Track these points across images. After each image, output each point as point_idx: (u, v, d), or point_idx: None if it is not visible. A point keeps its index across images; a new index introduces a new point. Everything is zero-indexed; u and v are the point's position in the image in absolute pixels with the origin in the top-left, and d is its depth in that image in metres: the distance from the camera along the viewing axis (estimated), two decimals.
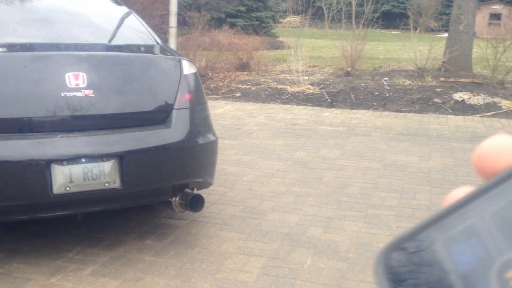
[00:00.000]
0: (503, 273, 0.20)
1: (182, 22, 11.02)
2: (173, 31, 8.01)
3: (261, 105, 7.22)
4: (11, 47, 2.77)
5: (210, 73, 8.81)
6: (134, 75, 2.83)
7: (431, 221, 0.23)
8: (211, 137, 3.05)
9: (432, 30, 13.98)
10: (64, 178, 2.47)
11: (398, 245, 0.24)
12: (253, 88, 8.07)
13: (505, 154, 0.22)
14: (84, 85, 2.63)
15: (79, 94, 2.62)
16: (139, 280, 2.52)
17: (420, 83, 8.23)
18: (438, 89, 7.71)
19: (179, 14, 7.85)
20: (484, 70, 9.53)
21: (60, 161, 2.48)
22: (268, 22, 17.29)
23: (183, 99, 2.95)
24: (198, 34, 9.64)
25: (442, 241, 0.22)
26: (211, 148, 3.05)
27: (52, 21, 3.08)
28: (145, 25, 3.52)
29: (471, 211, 0.22)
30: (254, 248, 2.89)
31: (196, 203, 2.85)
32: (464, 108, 6.97)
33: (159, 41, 3.42)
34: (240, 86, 8.25)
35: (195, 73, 3.14)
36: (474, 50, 9.66)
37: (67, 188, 2.48)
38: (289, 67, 8.63)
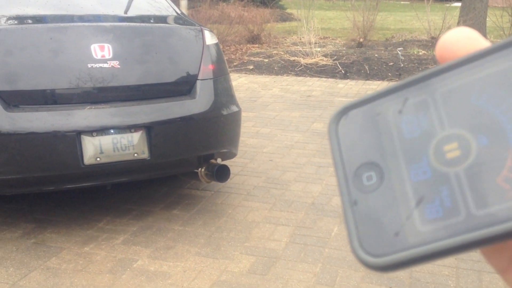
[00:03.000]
0: (442, 145, 0.22)
1: None
2: (184, 3, 7.92)
3: (275, 77, 7.17)
4: (35, 19, 2.75)
5: (221, 46, 8.73)
6: (158, 46, 2.81)
7: (388, 91, 0.25)
8: (234, 108, 3.05)
9: None
10: (94, 149, 2.49)
11: (352, 107, 0.26)
12: (266, 60, 8.01)
13: (461, 42, 0.24)
14: (110, 57, 2.63)
15: (105, 65, 2.61)
16: (170, 248, 2.56)
17: (434, 53, 8.13)
18: None
19: None
20: (499, 38, 9.38)
21: (90, 132, 2.49)
22: None
23: (206, 69, 2.93)
24: (207, 7, 9.52)
25: (393, 111, 0.24)
26: (235, 119, 3.05)
27: None
28: None
29: (424, 88, 0.24)
30: (280, 218, 2.91)
31: (222, 173, 2.87)
32: None
33: (179, 12, 3.39)
34: (252, 58, 8.19)
35: (216, 44, 3.12)
36: (487, 19, 9.49)
37: (98, 159, 2.50)
38: (300, 39, 8.54)
